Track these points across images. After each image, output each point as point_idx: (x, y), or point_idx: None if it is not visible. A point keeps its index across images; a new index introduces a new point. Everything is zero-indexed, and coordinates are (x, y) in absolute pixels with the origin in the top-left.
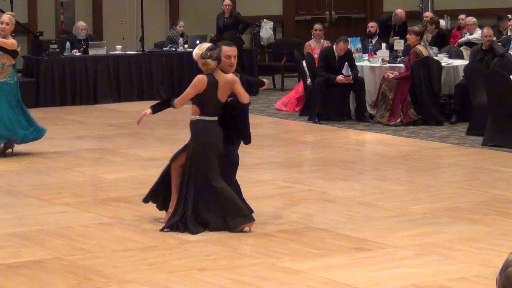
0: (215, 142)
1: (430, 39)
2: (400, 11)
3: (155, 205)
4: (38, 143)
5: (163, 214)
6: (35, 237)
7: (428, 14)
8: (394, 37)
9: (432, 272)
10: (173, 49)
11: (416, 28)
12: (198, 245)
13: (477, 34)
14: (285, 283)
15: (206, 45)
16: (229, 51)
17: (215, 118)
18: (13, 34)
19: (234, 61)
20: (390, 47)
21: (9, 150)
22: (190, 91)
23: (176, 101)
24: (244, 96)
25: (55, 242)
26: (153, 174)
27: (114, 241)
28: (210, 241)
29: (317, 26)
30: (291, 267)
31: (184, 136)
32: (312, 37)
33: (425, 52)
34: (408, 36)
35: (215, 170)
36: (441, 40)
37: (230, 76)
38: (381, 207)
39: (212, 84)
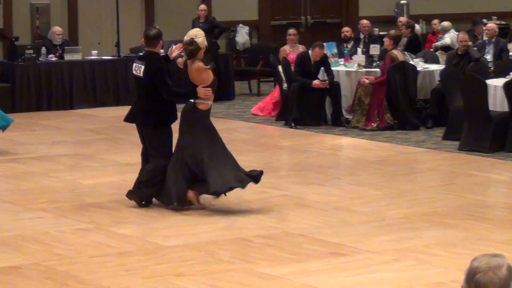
0: None
1: (405, 43)
2: (364, 21)
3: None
4: (14, 148)
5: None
6: (12, 243)
7: (402, 19)
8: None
9: (409, 277)
10: None
11: (392, 32)
12: (176, 251)
13: (450, 38)
14: None
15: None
16: None
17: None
18: None
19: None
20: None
21: None
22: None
23: None
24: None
25: (33, 248)
26: (130, 179)
27: (92, 246)
28: (188, 246)
29: (291, 31)
30: (268, 272)
31: None
32: (287, 42)
33: (400, 57)
34: (385, 40)
35: None
36: (415, 45)
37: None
38: (358, 212)
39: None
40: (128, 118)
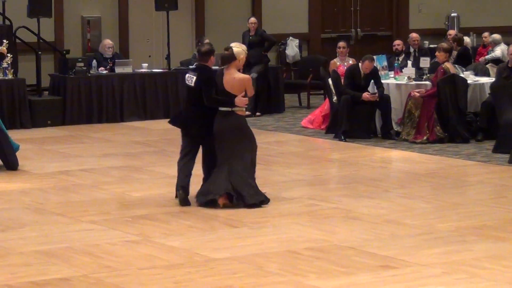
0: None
1: (455, 56)
2: (413, 35)
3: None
4: (65, 160)
5: (186, 234)
6: (62, 254)
7: (451, 32)
8: (422, 57)
9: None
10: None
11: (444, 45)
12: (224, 263)
13: (500, 51)
14: None
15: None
16: None
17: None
18: None
19: None
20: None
21: None
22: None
23: None
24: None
25: (82, 260)
26: None
27: (141, 258)
28: (236, 259)
29: (341, 44)
30: (318, 285)
31: None
32: (337, 55)
33: (452, 70)
34: (437, 53)
35: None
36: (465, 58)
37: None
38: (408, 225)
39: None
40: (174, 122)
